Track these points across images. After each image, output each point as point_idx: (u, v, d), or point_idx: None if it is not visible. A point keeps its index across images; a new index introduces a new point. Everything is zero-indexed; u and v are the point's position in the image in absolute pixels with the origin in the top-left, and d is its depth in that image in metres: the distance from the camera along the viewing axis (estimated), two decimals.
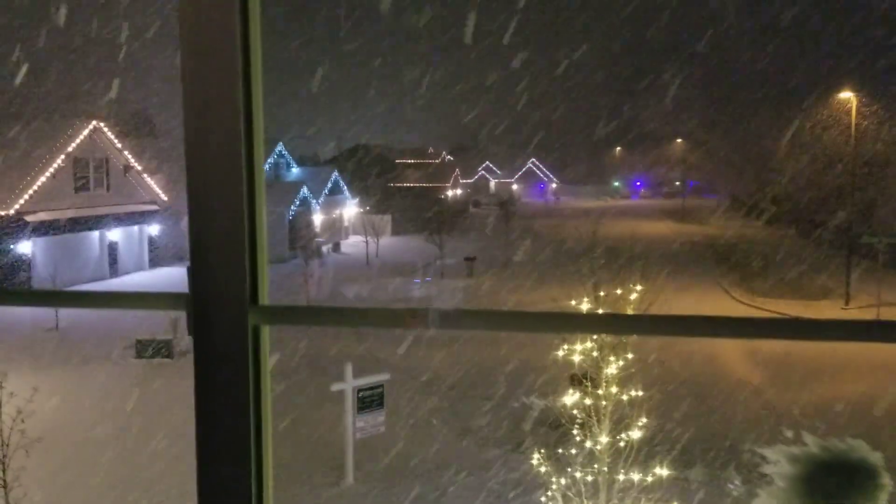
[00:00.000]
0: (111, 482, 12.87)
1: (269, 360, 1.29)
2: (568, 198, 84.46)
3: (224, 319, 1.26)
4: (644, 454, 9.94)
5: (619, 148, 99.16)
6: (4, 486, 10.51)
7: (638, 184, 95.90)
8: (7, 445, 10.66)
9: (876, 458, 1.24)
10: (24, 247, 30.60)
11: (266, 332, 1.28)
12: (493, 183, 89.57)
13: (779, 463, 1.25)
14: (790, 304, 27.30)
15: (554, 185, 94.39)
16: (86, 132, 33.46)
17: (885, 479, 1.21)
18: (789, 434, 1.47)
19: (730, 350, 21.97)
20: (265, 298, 1.27)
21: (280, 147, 50.91)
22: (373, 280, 31.98)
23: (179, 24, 1.27)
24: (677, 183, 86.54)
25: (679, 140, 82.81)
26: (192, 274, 1.27)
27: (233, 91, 1.26)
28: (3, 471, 10.58)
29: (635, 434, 9.44)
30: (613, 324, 1.90)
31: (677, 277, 25.94)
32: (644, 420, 9.95)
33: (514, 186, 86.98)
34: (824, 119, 37.56)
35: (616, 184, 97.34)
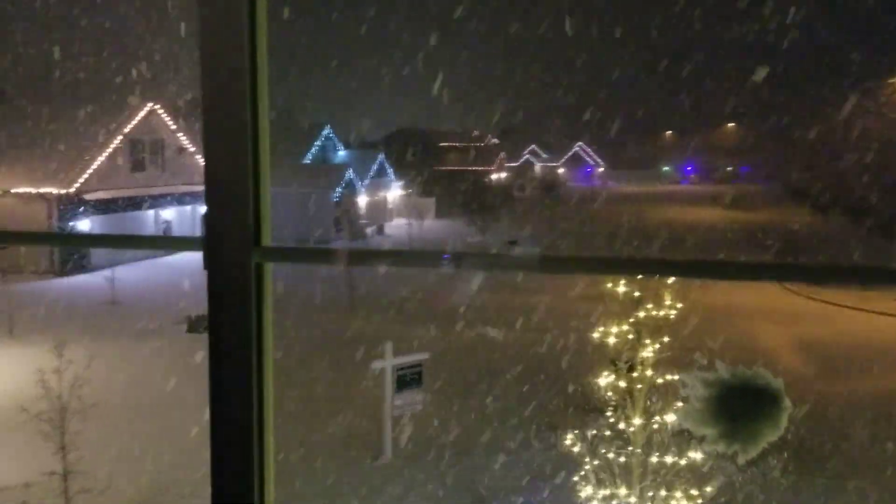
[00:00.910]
0: (159, 446, 13.44)
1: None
2: (615, 182, 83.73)
3: (231, 257, 1.52)
4: (680, 438, 10.08)
5: (668, 132, 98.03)
6: (63, 449, 11.08)
7: (688, 169, 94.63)
8: (66, 410, 11.24)
9: (778, 383, 1.47)
10: (84, 225, 31.62)
11: (268, 269, 1.55)
12: (538, 167, 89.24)
13: (694, 387, 1.47)
14: (844, 294, 26.83)
15: (601, 170, 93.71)
16: (142, 114, 34.34)
17: (787, 403, 1.44)
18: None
19: (775, 337, 21.86)
20: (268, 240, 1.54)
21: (328, 130, 51.46)
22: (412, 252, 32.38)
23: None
24: (729, 168, 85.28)
25: (731, 125, 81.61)
26: (206, 219, 1.54)
27: (240, 51, 1.50)
28: (62, 435, 11.15)
29: (669, 417, 9.60)
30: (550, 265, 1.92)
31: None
32: (679, 404, 10.08)
33: (560, 170, 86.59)
34: (883, 103, 36.72)
35: (665, 168, 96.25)
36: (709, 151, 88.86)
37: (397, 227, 47.24)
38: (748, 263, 1.49)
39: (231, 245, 1.53)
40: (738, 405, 1.44)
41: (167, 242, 1.72)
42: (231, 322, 1.56)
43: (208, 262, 1.54)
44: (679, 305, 10.13)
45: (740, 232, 42.71)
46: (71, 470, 11.18)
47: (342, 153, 52.83)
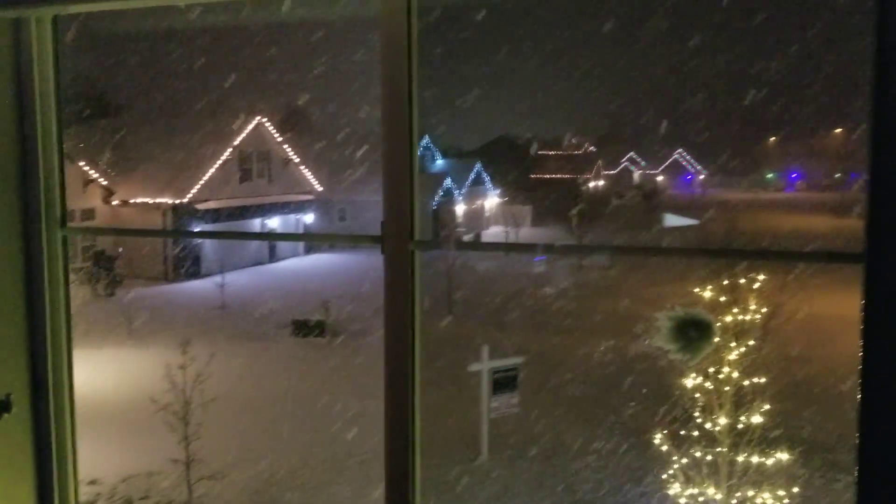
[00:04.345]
0: (274, 438, 14.39)
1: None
2: (717, 190, 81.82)
3: (397, 246, 2.33)
4: (767, 439, 10.27)
5: (773, 138, 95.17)
6: (186, 439, 12.08)
7: (793, 175, 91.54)
8: (189, 403, 12.25)
9: (710, 317, 2.32)
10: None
11: (418, 255, 2.36)
12: (637, 174, 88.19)
13: (662, 320, 2.26)
14: None
15: (702, 177, 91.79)
16: (250, 127, 36.07)
17: (715, 328, 2.19)
18: None
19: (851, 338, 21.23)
20: (418, 234, 2.36)
21: (426, 140, 52.54)
22: (506, 261, 33.03)
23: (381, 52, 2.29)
24: (837, 175, 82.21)
25: (838, 130, 78.70)
26: (383, 221, 2.35)
27: (403, 103, 2.28)
28: (185, 426, 12.16)
29: (756, 419, 9.81)
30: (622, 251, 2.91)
31: (823, 275, 25.19)
32: (766, 406, 10.29)
33: (659, 178, 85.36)
34: None
35: (769, 175, 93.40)
36: (815, 158, 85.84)
37: (494, 234, 47.81)
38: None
39: (397, 238, 2.31)
40: (688, 330, 2.25)
41: (350, 238, 2.66)
42: (397, 288, 2.35)
43: (384, 249, 2.33)
44: (764, 310, 10.34)
45: (859, 241, 41.16)
46: (193, 458, 12.16)
47: (440, 162, 53.82)
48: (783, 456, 9.68)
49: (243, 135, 35.75)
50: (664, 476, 10.75)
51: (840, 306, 23.86)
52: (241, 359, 19.80)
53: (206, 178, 33.96)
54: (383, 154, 2.29)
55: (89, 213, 32.07)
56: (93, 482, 12.24)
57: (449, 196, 45.90)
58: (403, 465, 2.38)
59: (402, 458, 2.38)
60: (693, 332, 2.22)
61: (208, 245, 33.72)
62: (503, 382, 15.26)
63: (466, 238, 45.15)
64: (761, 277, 10.47)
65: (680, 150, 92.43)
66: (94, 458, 12.20)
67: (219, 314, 25.63)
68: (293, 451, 14.03)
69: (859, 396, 1.93)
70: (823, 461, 12.09)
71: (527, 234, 47.38)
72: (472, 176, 50.01)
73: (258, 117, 36.39)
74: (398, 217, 2.30)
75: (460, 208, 47.41)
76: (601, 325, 21.80)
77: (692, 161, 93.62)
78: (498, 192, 52.65)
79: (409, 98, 2.25)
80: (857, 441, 1.95)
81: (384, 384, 2.38)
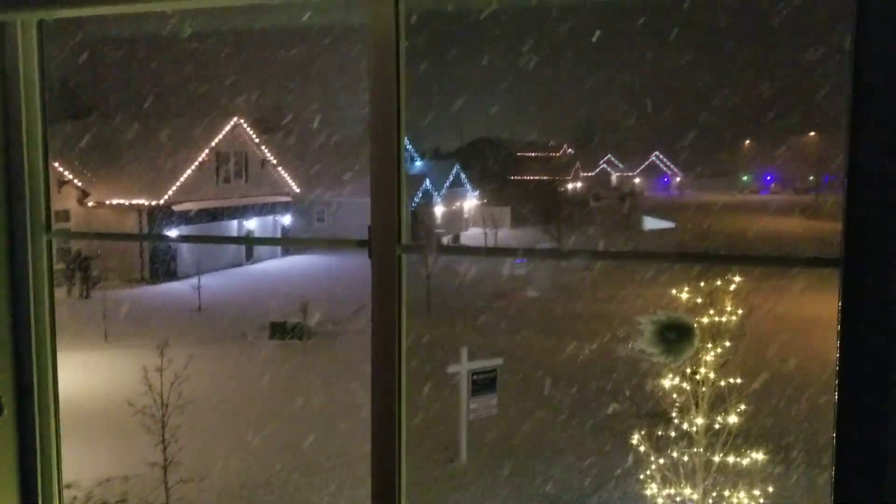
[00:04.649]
0: (251, 440, 14.35)
1: None
2: (693, 192, 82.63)
3: (385, 250, 2.35)
4: (741, 440, 10.40)
5: (748, 141, 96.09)
6: (163, 441, 12.02)
7: (768, 178, 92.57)
8: (166, 406, 12.19)
9: (692, 321, 2.38)
10: (172, 234, 33.22)
11: (404, 258, 2.39)
12: (614, 176, 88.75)
13: (645, 324, 2.30)
14: None
15: (678, 179, 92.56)
16: (228, 128, 35.90)
17: (696, 332, 2.23)
18: None
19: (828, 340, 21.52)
20: (404, 239, 2.39)
21: (405, 141, 52.44)
22: (486, 262, 33.19)
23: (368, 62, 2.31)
24: (811, 178, 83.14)
25: (812, 134, 79.64)
26: (371, 226, 2.39)
27: (391, 109, 2.33)
28: (163, 428, 12.10)
29: (732, 419, 9.94)
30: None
31: (805, 275, 25.51)
32: (742, 406, 10.42)
33: (637, 180, 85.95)
34: None
35: (744, 178, 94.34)
36: (790, 161, 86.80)
37: (473, 236, 47.93)
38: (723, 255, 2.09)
39: (384, 243, 2.35)
40: (670, 333, 2.30)
41: (338, 244, 2.64)
42: (384, 292, 2.38)
43: (372, 255, 2.38)
44: (740, 311, 10.48)
45: (832, 243, 41.71)
46: (171, 461, 12.11)
47: (419, 163, 53.86)
48: (759, 456, 9.82)
49: (220, 136, 35.57)
50: (641, 477, 10.85)
51: (813, 307, 24.22)
52: (218, 361, 19.71)
53: (182, 179, 33.75)
54: (371, 160, 2.32)
55: (63, 215, 31.76)
56: (69, 486, 12.14)
57: (428, 197, 45.95)
58: (390, 466, 2.40)
59: (389, 459, 2.41)
60: (675, 335, 2.28)
61: (185, 247, 33.51)
62: (482, 384, 15.30)
63: (445, 239, 45.23)
64: (738, 279, 10.62)
65: (657, 153, 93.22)
66: (70, 462, 12.04)
67: (196, 316, 25.49)
68: (270, 453, 13.99)
69: (836, 397, 1.98)
70: (799, 460, 12.28)
71: (505, 234, 47.52)
72: (450, 177, 50.10)
73: (235, 118, 36.22)
74: (386, 222, 2.33)
75: (439, 209, 47.48)
76: (581, 327, 21.95)
77: (669, 163, 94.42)
78: (477, 193, 52.78)
79: (397, 105, 2.28)
80: (834, 440, 2.00)
81: (371, 386, 2.41)
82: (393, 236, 2.33)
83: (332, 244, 2.91)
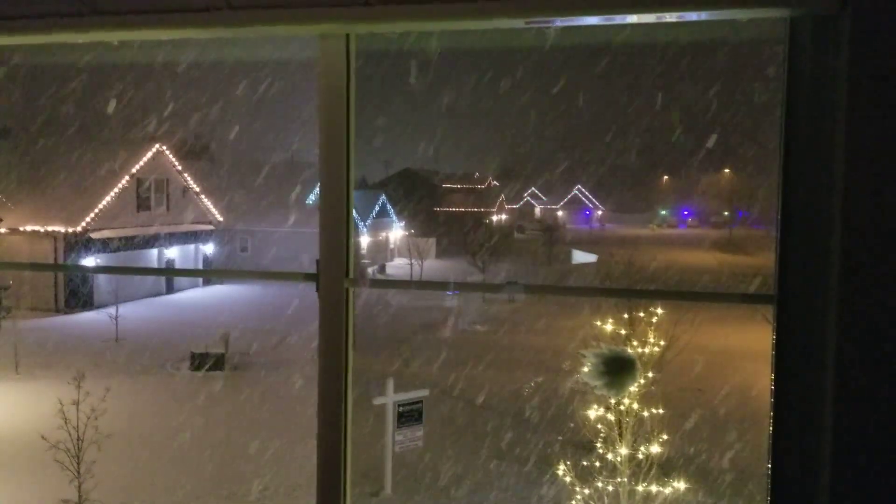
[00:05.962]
0: (170, 475, 13.91)
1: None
2: (614, 225, 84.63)
3: (333, 284, 2.34)
4: (664, 469, 10.61)
5: (666, 176, 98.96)
6: (79, 477, 11.57)
7: (685, 213, 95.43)
8: (82, 440, 11.75)
9: (633, 355, 2.48)
10: (89, 262, 32.21)
11: (352, 292, 2.40)
12: (538, 209, 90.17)
13: (589, 357, 2.39)
14: None
15: (600, 213, 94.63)
16: (149, 154, 35.14)
17: (638, 365, 2.31)
18: None
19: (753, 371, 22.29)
20: (352, 273, 2.41)
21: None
22: (413, 293, 33.21)
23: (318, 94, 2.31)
24: (725, 213, 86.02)
25: (727, 170, 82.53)
26: (319, 260, 2.40)
27: (341, 146, 2.35)
28: (78, 463, 11.65)
29: (654, 448, 10.14)
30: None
31: (717, 307, 26.28)
32: (664, 437, 10.64)
33: (560, 213, 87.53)
34: None
35: (663, 212, 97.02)
36: (707, 196, 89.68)
37: (398, 266, 47.88)
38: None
39: (333, 276, 2.36)
40: (613, 366, 2.38)
41: (285, 276, 2.64)
42: (332, 325, 2.39)
43: (320, 287, 2.38)
44: (662, 343, 10.75)
45: (744, 276, 43.17)
46: (86, 498, 11.65)
47: None
48: (681, 485, 10.03)
49: (142, 162, 34.81)
50: None
51: (730, 339, 24.98)
52: (137, 394, 19.13)
53: (101, 205, 32.83)
54: (321, 195, 2.33)
55: None
56: None
57: (353, 227, 45.79)
58: (335, 495, 2.39)
59: (335, 488, 2.40)
60: (617, 368, 2.34)
61: (102, 276, 32.54)
62: (408, 416, 15.22)
63: (371, 269, 45.08)
64: (660, 311, 10.90)
65: (579, 187, 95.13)
66: None
67: (114, 347, 24.71)
68: (189, 487, 13.59)
69: (771, 428, 2.07)
70: (721, 489, 12.56)
71: (431, 265, 47.63)
72: (377, 207, 50.08)
73: (157, 145, 35.52)
74: (335, 256, 2.34)
75: (365, 240, 47.34)
76: (509, 358, 22.10)
77: (591, 197, 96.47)
78: (403, 224, 52.87)
79: (347, 141, 2.30)
80: (769, 471, 2.08)
81: (318, 417, 2.40)
82: (342, 270, 2.34)
83: (277, 276, 2.90)
